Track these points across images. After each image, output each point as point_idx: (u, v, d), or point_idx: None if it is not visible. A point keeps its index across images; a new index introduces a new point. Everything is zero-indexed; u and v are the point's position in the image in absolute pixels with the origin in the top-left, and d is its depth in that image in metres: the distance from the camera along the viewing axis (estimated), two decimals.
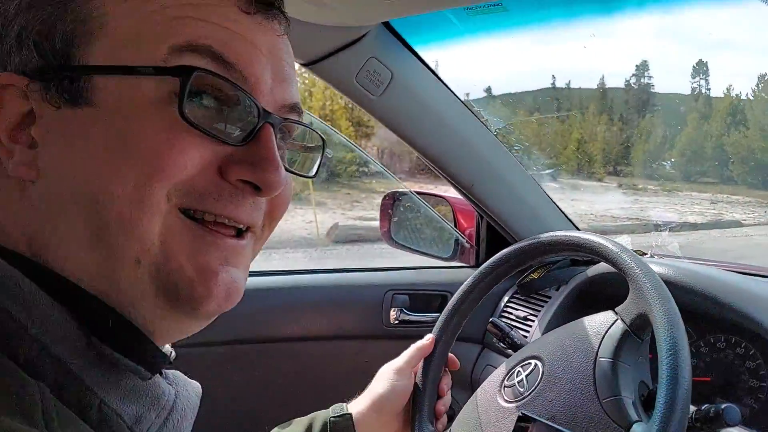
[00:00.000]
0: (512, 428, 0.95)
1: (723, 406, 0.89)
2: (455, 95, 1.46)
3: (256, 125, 0.55)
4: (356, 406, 1.05)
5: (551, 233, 1.12)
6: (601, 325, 0.96)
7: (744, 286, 1.20)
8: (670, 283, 1.24)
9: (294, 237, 8.92)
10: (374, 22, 1.25)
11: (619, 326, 0.94)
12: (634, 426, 0.84)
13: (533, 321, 1.51)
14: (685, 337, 0.83)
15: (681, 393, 0.78)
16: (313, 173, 0.66)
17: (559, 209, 1.66)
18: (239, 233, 0.58)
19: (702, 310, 1.26)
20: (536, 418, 0.94)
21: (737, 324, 1.19)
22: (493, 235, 1.70)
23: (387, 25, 1.32)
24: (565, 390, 0.93)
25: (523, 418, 0.95)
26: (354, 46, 1.27)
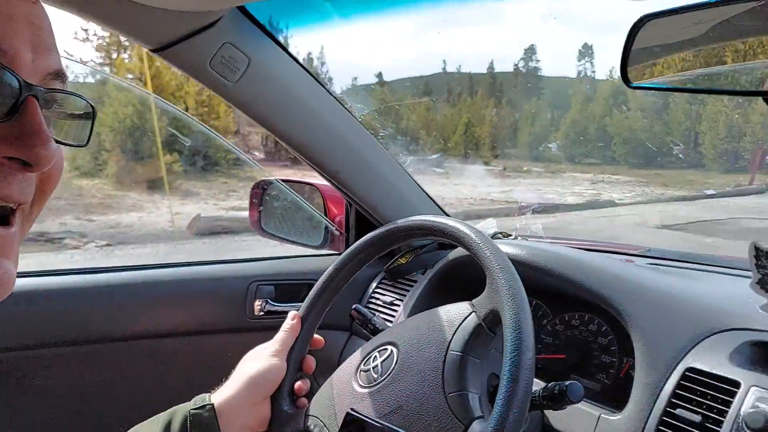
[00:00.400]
0: (341, 423, 0.94)
1: (567, 383, 0.90)
2: (318, 81, 1.41)
3: (19, 99, 0.52)
4: (224, 392, 1.00)
5: (409, 218, 1.10)
6: (456, 317, 0.95)
7: (595, 264, 1.23)
8: (524, 264, 1.26)
9: (154, 231, 8.28)
10: (226, 6, 1.18)
11: (473, 320, 0.93)
12: (474, 423, 0.83)
13: (399, 306, 1.50)
14: (531, 339, 0.82)
15: (519, 395, 0.77)
16: (86, 142, 0.64)
17: (426, 194, 1.66)
18: (4, 220, 0.56)
19: (556, 289, 1.29)
20: (363, 416, 0.91)
21: (589, 302, 1.22)
22: (362, 222, 1.67)
23: (243, 9, 1.25)
24: (415, 380, 0.91)
25: (350, 416, 0.93)
26: (207, 32, 1.20)
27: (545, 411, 1.11)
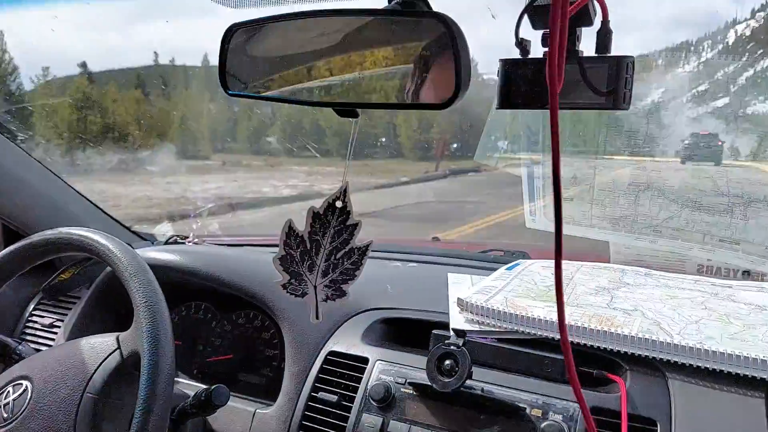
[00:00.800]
0: None
1: (213, 387, 0.91)
2: None
3: None
4: None
5: (46, 232, 1.01)
6: (100, 353, 0.89)
7: (249, 263, 1.26)
8: (180, 270, 1.24)
9: None
10: None
11: (116, 358, 0.87)
12: None
13: (60, 328, 1.38)
14: (166, 388, 0.79)
15: None
16: None
17: (89, 201, 1.53)
18: None
19: (216, 290, 1.29)
20: None
21: (249, 299, 1.24)
22: (12, 237, 1.49)
23: None
24: (44, 426, 0.83)
25: None
26: None
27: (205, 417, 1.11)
